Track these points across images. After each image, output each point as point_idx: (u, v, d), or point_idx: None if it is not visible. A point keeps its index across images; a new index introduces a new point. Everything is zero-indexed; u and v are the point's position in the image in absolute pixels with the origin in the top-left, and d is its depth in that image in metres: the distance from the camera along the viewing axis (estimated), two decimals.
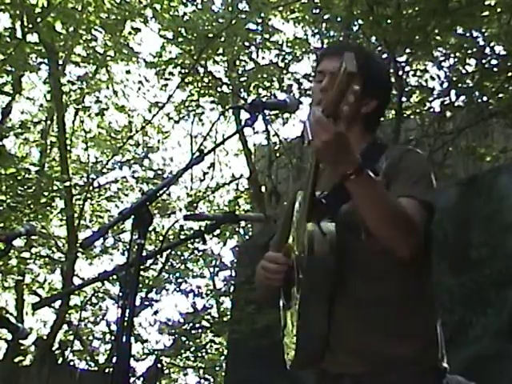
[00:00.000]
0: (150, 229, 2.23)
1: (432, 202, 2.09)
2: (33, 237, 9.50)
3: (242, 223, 10.38)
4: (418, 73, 8.14)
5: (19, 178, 9.23)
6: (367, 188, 1.95)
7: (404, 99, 7.61)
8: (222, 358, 10.84)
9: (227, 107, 9.82)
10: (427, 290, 2.16)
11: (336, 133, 1.87)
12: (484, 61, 7.32)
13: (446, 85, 7.81)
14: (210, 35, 8.58)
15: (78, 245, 9.36)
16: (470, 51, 7.39)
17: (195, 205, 11.27)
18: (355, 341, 2.07)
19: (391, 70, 6.98)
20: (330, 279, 2.03)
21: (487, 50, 7.38)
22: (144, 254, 1.97)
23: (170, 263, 10.92)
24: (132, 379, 9.67)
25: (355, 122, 2.20)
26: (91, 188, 10.55)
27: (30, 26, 9.07)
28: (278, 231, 2.44)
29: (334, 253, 2.01)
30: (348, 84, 1.78)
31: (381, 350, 2.05)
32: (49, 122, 11.52)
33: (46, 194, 9.62)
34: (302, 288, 2.04)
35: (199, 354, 11.20)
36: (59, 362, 10.08)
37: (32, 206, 9.52)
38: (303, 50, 9.13)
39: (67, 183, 9.71)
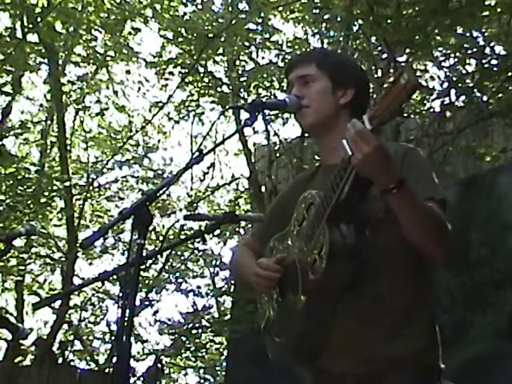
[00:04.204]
0: (150, 229, 2.23)
1: (446, 198, 2.12)
2: (33, 237, 9.50)
3: (242, 223, 10.37)
4: (418, 73, 8.13)
5: (19, 177, 9.22)
6: (408, 200, 1.95)
7: None
8: (222, 358, 10.85)
9: (227, 107, 9.79)
10: (429, 288, 2.17)
11: (376, 145, 1.86)
12: (484, 61, 7.31)
13: (446, 85, 7.81)
14: (210, 35, 8.57)
15: (78, 245, 9.35)
16: (470, 51, 7.38)
17: (195, 205, 11.26)
18: (357, 340, 2.08)
19: (391, 70, 6.98)
20: (346, 281, 2.04)
21: (487, 50, 7.37)
22: (144, 253, 1.97)
23: (170, 263, 10.92)
24: (132, 379, 9.66)
25: (340, 116, 2.20)
26: (91, 188, 10.54)
27: (30, 26, 9.06)
28: (265, 224, 2.44)
29: (353, 256, 2.02)
30: (410, 96, 1.76)
31: (383, 350, 2.05)
32: (49, 122, 11.49)
33: (45, 193, 9.61)
34: (313, 287, 2.05)
35: (199, 354, 11.21)
36: (59, 361, 10.06)
37: (32, 206, 9.51)
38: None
39: (67, 183, 9.70)
